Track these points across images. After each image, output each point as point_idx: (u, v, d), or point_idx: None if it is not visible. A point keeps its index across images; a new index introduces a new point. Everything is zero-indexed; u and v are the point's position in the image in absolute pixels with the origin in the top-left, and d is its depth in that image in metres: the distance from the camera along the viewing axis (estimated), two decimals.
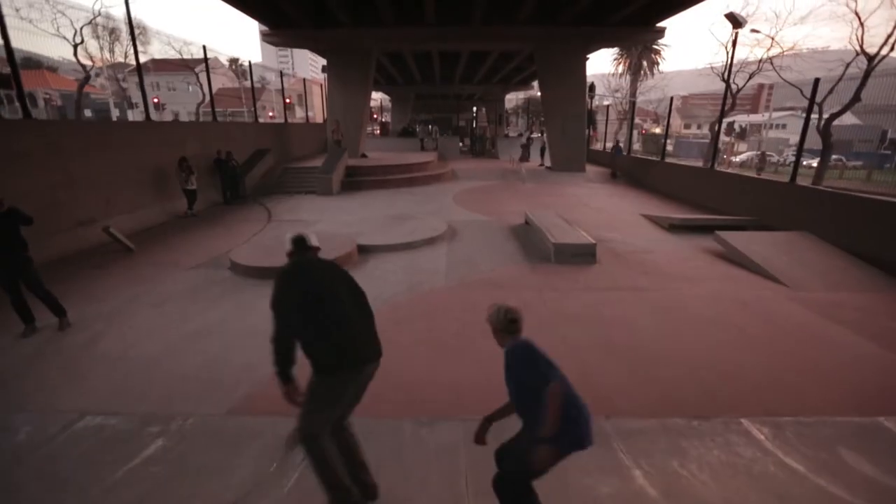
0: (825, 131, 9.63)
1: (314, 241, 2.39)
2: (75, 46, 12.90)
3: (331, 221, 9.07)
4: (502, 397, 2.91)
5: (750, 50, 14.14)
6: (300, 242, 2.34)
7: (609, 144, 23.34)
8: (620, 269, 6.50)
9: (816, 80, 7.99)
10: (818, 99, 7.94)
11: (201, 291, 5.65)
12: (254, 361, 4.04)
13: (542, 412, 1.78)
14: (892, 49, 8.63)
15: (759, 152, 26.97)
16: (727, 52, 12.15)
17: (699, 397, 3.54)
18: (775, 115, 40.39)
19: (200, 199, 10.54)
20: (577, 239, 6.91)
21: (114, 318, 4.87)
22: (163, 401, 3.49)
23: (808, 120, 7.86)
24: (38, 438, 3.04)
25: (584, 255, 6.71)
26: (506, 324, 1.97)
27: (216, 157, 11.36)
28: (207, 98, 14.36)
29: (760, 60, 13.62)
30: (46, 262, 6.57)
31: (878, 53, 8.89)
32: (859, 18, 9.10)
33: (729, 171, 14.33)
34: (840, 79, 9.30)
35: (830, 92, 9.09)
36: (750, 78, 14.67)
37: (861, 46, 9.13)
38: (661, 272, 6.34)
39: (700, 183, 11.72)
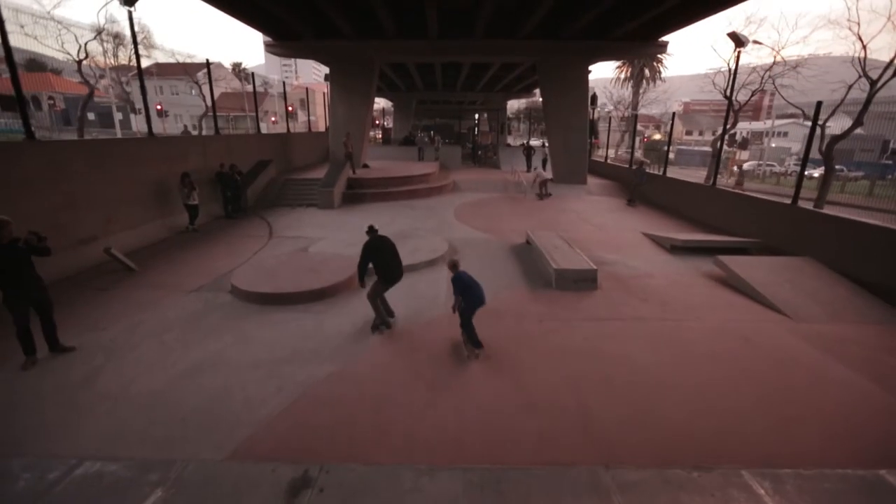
0: (827, 154, 9.64)
1: (377, 227, 5.36)
2: (79, 62, 12.95)
3: (332, 240, 9.07)
4: (503, 444, 3.58)
5: (752, 69, 14.03)
6: (371, 228, 5.32)
7: (612, 152, 23.29)
8: (621, 295, 6.49)
9: (818, 104, 8.00)
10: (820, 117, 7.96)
11: (202, 318, 5.66)
12: (254, 399, 4.05)
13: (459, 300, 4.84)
14: (893, 75, 8.65)
15: (739, 167, 26.97)
16: (729, 70, 12.15)
17: (699, 443, 3.53)
18: (777, 122, 40.40)
19: (202, 213, 10.56)
20: (578, 264, 6.91)
21: (114, 350, 4.87)
22: (163, 443, 3.49)
23: (809, 146, 7.86)
24: (38, 487, 3.04)
25: (585, 280, 6.71)
26: (452, 267, 4.93)
27: (218, 171, 11.37)
28: (210, 106, 14.42)
29: (762, 78, 13.66)
30: (49, 283, 6.59)
31: (879, 78, 8.91)
32: (862, 42, 9.13)
33: (731, 182, 14.27)
34: (841, 102, 9.33)
35: (832, 115, 9.11)
36: (752, 96, 14.70)
37: (863, 69, 9.16)
38: (662, 300, 6.33)
39: (702, 200, 11.70)
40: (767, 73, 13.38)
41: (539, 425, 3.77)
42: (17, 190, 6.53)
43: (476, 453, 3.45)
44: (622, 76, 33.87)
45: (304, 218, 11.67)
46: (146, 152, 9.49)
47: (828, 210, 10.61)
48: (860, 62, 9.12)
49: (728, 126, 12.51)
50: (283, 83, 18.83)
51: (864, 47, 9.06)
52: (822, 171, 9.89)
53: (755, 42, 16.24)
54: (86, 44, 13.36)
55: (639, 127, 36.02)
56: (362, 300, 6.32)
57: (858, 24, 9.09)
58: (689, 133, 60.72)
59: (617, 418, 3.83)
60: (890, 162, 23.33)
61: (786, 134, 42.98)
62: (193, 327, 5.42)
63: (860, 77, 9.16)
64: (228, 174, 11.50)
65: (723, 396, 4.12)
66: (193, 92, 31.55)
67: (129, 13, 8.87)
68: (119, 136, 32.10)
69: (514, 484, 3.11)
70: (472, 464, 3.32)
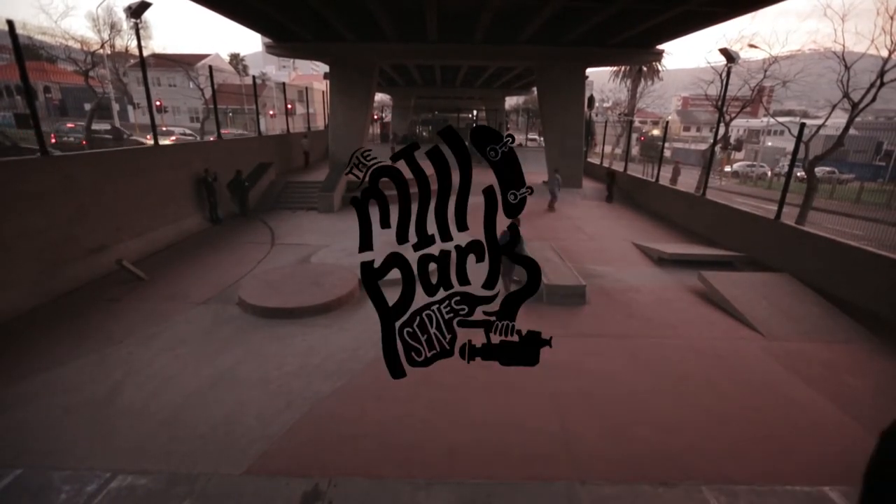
0: (810, 171, 10.04)
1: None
2: (86, 72, 13.13)
3: (333, 249, 9.37)
4: (496, 459, 3.88)
5: (744, 83, 14.38)
6: None
7: (608, 149, 23.43)
8: (608, 311, 6.89)
9: (802, 125, 8.34)
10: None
11: (213, 332, 6.01)
12: (266, 415, 4.43)
13: None
14: (873, 99, 9.01)
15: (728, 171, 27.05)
16: (722, 82, 12.47)
17: (667, 460, 3.94)
18: (774, 119, 40.58)
19: (202, 217, 10.95)
20: (568, 280, 7.28)
21: (132, 365, 5.21)
22: (186, 458, 3.86)
23: (793, 163, 8.22)
24: (78, 499, 3.41)
25: (574, 296, 7.09)
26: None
27: (213, 177, 11.58)
28: (208, 99, 14.61)
29: (753, 90, 14.03)
30: (61, 293, 6.95)
31: (861, 101, 9.27)
32: (846, 65, 9.45)
33: (723, 184, 14.62)
34: (822, 125, 9.71)
35: (815, 133, 9.51)
36: (742, 108, 15.07)
37: (847, 91, 9.51)
38: (646, 316, 6.73)
39: (691, 210, 12.07)
40: (757, 85, 13.76)
41: (525, 441, 4.16)
42: (31, 204, 6.81)
43: (468, 468, 3.85)
44: (621, 71, 33.95)
45: (305, 223, 11.97)
46: (153, 161, 9.76)
47: (814, 215, 11.04)
48: (843, 84, 9.48)
49: (719, 136, 12.85)
50: (284, 85, 18.95)
51: (847, 69, 9.42)
52: (806, 186, 10.28)
53: (751, 46, 16.53)
54: (92, 54, 13.51)
55: (636, 123, 36.28)
56: (363, 314, 6.71)
57: (843, 45, 9.45)
58: (686, 129, 60.89)
59: (593, 435, 4.23)
60: (883, 164, 23.64)
61: (782, 132, 43.31)
62: (205, 341, 5.78)
63: (843, 97, 9.54)
64: (234, 179, 11.74)
65: (692, 415, 4.53)
66: (191, 85, 31.47)
67: (136, 24, 9.05)
68: (118, 124, 32.09)
69: (501, 498, 3.52)
70: (464, 478, 3.72)
